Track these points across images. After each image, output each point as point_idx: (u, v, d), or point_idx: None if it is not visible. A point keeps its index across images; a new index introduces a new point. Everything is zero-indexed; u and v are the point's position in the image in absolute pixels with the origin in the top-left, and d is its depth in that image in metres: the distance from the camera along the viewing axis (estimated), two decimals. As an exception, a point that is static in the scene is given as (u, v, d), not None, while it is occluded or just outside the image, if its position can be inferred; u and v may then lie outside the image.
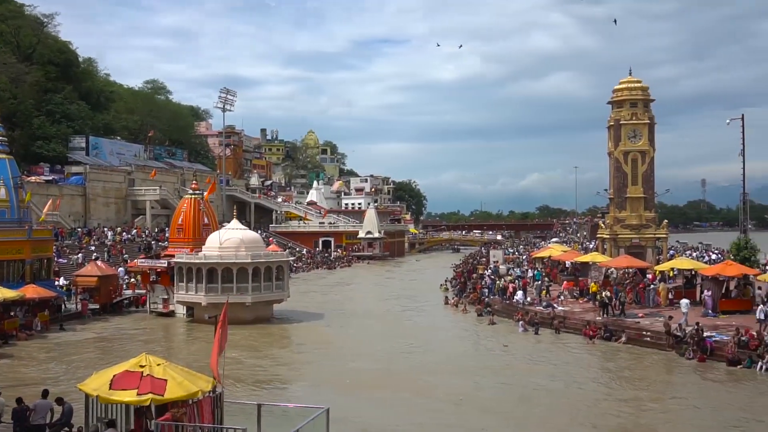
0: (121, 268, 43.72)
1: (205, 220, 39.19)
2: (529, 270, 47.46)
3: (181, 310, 36.26)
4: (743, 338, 23.68)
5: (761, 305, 25.91)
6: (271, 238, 74.30)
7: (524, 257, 63.53)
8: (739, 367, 22.80)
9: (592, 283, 36.04)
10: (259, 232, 61.09)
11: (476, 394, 20.47)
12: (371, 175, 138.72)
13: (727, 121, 46.58)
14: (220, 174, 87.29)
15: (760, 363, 22.32)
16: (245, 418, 12.32)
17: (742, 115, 45.01)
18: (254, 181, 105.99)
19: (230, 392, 15.88)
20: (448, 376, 22.91)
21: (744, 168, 45.94)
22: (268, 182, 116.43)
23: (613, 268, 37.47)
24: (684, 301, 28.78)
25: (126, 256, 51.53)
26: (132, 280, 41.89)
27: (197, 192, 40.07)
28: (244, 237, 35.77)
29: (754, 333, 23.81)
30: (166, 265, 36.93)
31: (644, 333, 27.74)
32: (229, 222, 38.80)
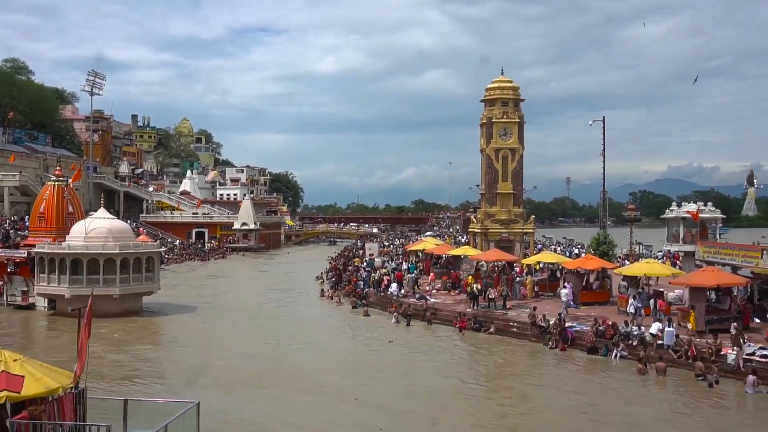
0: (-26, 259, 40.83)
1: (70, 209, 37.42)
2: (404, 263, 48.33)
3: (42, 303, 34.47)
4: (601, 328, 25.22)
5: (631, 299, 27.47)
6: (141, 228, 71.64)
7: (399, 250, 64.60)
8: (592, 354, 24.25)
9: (468, 276, 37.11)
10: (129, 221, 58.79)
11: (366, 391, 20.08)
12: (247, 166, 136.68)
13: (590, 122, 49.35)
14: (87, 160, 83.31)
15: (615, 351, 23.83)
16: (111, 415, 11.86)
17: (603, 117, 47.84)
18: (124, 168, 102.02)
19: (95, 389, 15.21)
20: (333, 372, 22.56)
21: (604, 167, 48.82)
22: (139, 170, 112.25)
23: (483, 261, 38.74)
24: (564, 291, 30.55)
25: (-20, 245, 48.23)
26: (-14, 271, 39.25)
27: (61, 179, 38.19)
28: (112, 227, 34.46)
29: (610, 323, 25.35)
30: (25, 255, 35.14)
31: (511, 324, 28.92)
32: (96, 211, 37.30)
